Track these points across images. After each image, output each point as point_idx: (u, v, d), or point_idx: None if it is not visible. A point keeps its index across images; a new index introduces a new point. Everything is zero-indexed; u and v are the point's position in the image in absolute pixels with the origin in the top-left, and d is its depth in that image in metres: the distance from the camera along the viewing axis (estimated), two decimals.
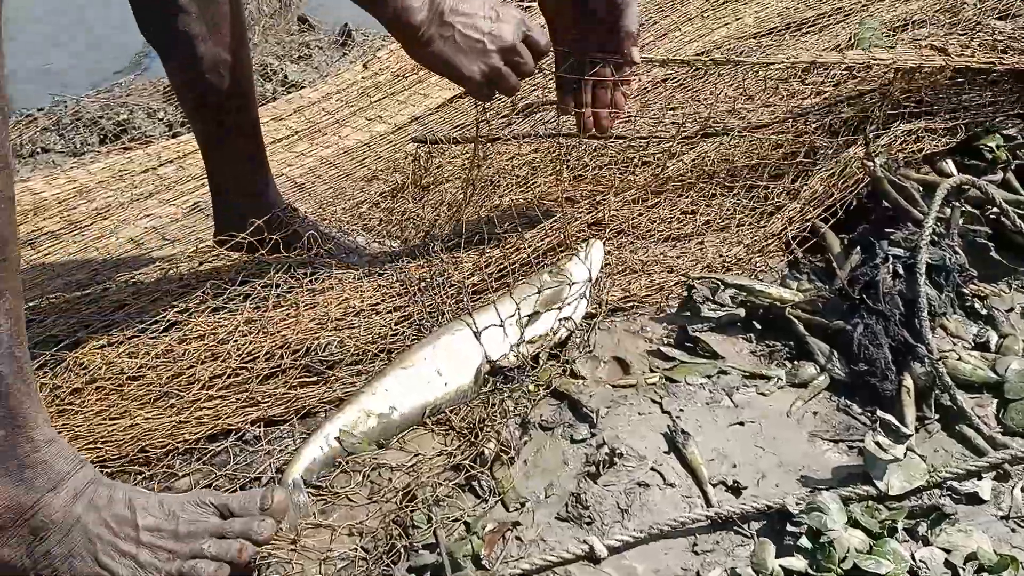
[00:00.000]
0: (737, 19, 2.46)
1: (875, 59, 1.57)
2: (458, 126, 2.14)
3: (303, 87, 2.94)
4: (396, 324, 1.33)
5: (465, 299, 1.35)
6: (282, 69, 3.09)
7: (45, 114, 2.83)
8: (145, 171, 2.23)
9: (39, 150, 2.62)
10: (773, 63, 1.70)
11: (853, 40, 2.01)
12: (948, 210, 1.44)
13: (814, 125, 1.69)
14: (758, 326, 1.42)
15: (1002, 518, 1.12)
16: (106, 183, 2.15)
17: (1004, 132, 1.72)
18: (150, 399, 1.21)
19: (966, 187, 1.46)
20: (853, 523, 1.06)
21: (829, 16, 2.34)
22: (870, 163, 1.44)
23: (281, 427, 1.22)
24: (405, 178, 1.87)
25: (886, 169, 1.46)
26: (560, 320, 1.32)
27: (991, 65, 1.63)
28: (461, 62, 1.17)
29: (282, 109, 2.57)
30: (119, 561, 0.96)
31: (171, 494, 1.05)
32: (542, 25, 1.34)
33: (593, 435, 1.21)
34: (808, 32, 2.22)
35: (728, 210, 1.63)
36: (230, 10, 1.38)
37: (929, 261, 1.31)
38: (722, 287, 1.43)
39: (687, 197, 1.63)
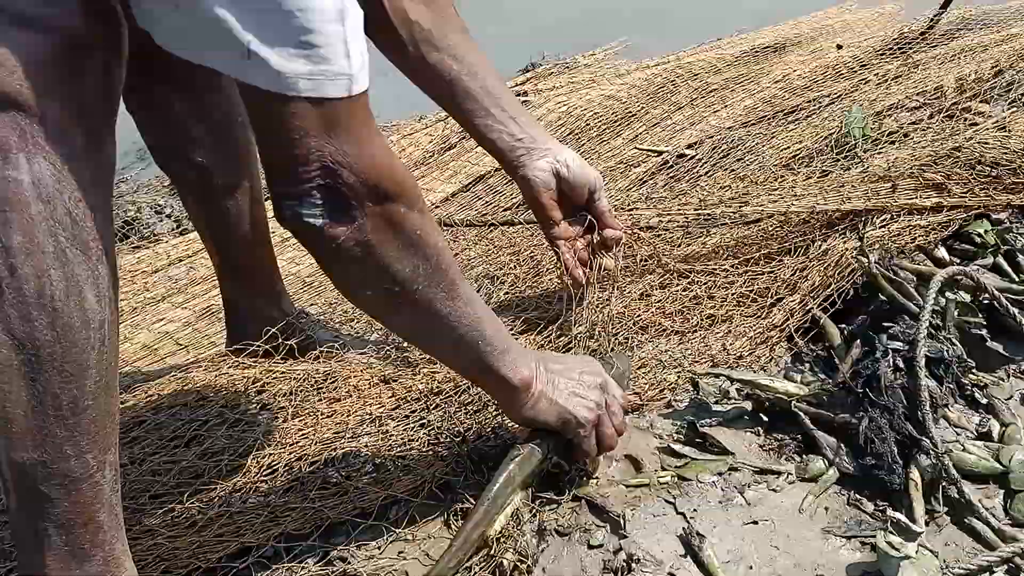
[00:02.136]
0: (726, 105, 2.54)
1: (873, 199, 1.66)
2: (463, 219, 2.20)
3: None
4: (413, 431, 1.36)
5: None
6: None
7: None
8: (156, 271, 2.27)
9: None
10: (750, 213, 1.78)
11: (843, 127, 2.09)
12: (943, 300, 1.48)
13: (814, 216, 1.75)
14: (765, 419, 1.45)
15: None
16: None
17: (993, 217, 1.79)
18: (171, 518, 1.23)
19: (959, 277, 1.50)
20: None
21: (815, 102, 2.43)
22: (864, 259, 1.49)
23: (301, 543, 1.23)
24: None
25: (881, 262, 1.50)
26: None
27: (985, 201, 1.69)
28: (569, 406, 1.21)
29: None
30: None
31: None
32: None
33: (610, 540, 1.23)
34: (796, 120, 2.29)
35: (731, 303, 1.67)
36: (243, 141, 1.45)
37: (928, 354, 1.35)
38: (728, 382, 1.47)
39: (690, 291, 1.68)
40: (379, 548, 1.22)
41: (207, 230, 1.56)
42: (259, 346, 1.50)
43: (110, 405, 0.95)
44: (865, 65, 2.64)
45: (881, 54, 2.69)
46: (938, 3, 2.87)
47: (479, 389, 1.40)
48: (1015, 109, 2.21)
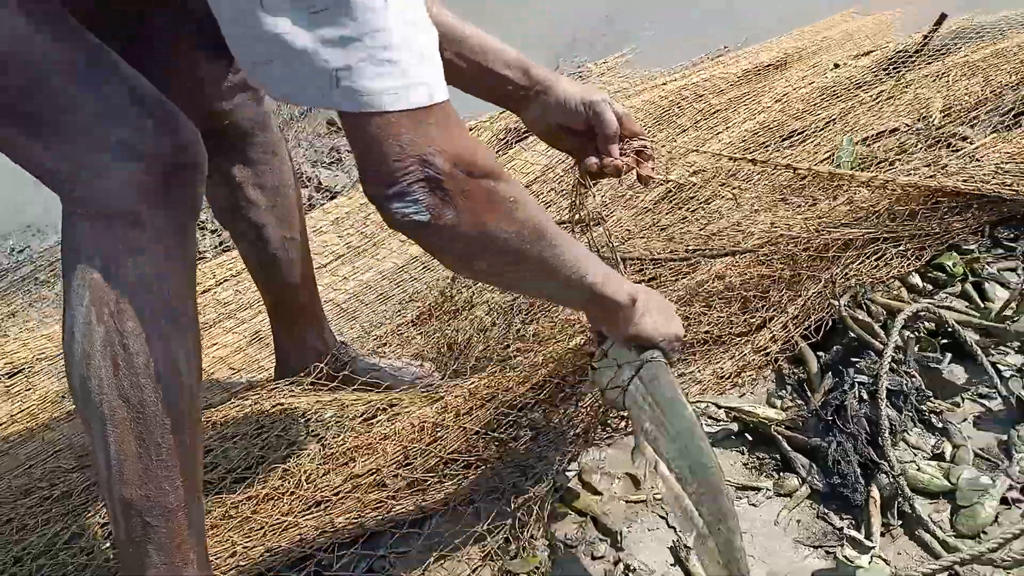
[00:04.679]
0: (727, 128, 2.72)
1: (883, 179, 1.84)
2: None
3: (336, 192, 3.23)
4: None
5: None
6: (316, 175, 3.37)
7: None
8: (204, 292, 2.50)
9: None
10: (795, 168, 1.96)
11: (834, 159, 2.27)
12: (907, 333, 1.68)
13: (802, 248, 1.93)
14: (750, 438, 1.66)
15: None
16: None
17: (963, 247, 1.98)
18: (245, 532, 1.46)
19: (922, 312, 1.70)
20: None
21: (811, 125, 2.61)
22: (835, 302, 1.68)
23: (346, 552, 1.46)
24: (436, 302, 2.13)
25: (853, 300, 1.70)
26: None
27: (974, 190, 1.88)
28: (669, 322, 1.33)
29: (319, 220, 2.84)
30: None
31: None
32: None
33: (610, 552, 1.46)
34: (792, 147, 2.47)
35: (720, 325, 1.87)
36: (293, 201, 1.67)
37: (889, 387, 1.55)
38: (715, 408, 1.68)
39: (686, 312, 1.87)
40: (419, 558, 1.45)
41: (261, 276, 1.78)
42: (306, 378, 1.73)
43: (196, 447, 1.18)
44: (860, 85, 2.80)
45: (876, 73, 2.85)
46: (933, 10, 3.01)
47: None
48: (995, 134, 2.38)
